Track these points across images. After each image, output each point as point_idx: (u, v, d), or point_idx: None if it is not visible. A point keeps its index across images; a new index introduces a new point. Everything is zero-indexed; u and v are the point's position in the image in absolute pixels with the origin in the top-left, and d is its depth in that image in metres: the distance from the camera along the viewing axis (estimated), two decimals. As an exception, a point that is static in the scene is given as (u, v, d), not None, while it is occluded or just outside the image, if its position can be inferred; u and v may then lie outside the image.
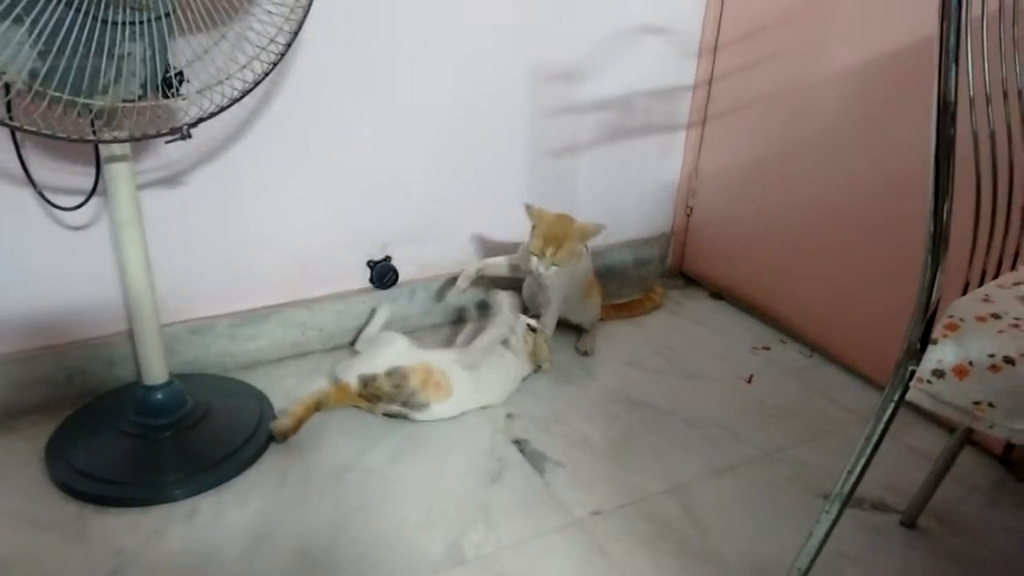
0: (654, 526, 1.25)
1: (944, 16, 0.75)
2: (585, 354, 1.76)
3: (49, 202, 1.34)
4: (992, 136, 0.94)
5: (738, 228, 1.97)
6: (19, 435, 1.39)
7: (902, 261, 1.54)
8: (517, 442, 1.42)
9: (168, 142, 1.18)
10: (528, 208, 1.58)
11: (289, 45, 1.17)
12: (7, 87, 1.00)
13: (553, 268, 1.55)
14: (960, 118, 0.79)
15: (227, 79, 1.14)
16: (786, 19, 1.72)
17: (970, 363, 0.79)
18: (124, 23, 1.02)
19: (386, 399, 1.45)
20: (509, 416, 1.51)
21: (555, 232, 1.54)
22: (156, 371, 1.36)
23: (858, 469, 0.92)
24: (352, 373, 1.48)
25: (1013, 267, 1.01)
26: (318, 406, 1.44)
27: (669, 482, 1.35)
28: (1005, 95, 0.97)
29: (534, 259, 1.55)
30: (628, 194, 2.03)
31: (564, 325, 1.78)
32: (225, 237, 1.55)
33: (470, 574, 1.14)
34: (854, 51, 1.58)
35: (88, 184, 1.34)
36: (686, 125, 2.02)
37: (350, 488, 1.30)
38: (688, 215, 2.12)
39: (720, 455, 1.43)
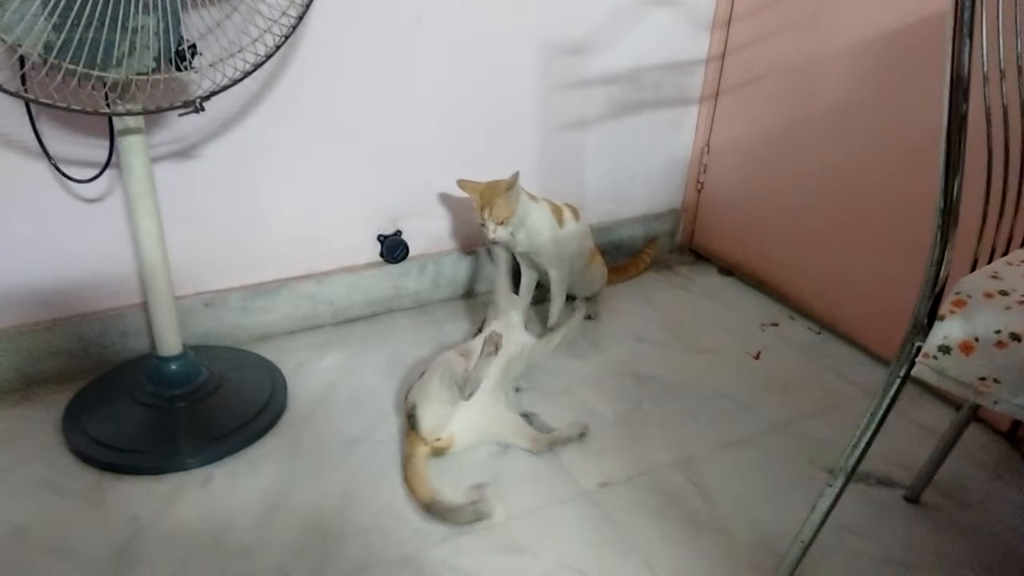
0: (662, 497, 1.26)
1: (959, -10, 0.74)
2: (589, 318, 1.79)
3: (64, 174, 1.35)
4: (1005, 112, 0.94)
5: (749, 204, 1.97)
6: (36, 404, 1.42)
7: (912, 238, 1.54)
8: (526, 415, 1.43)
9: (181, 115, 1.18)
10: (459, 184, 1.59)
11: (300, 18, 1.17)
12: (22, 60, 1.00)
13: (502, 228, 1.55)
14: (973, 94, 0.79)
15: (239, 52, 1.15)
16: (800, -8, 1.71)
17: (976, 339, 0.79)
18: (137, -4, 1.03)
19: None
20: (518, 389, 1.52)
21: (485, 195, 1.55)
22: (170, 342, 1.38)
23: (863, 443, 0.93)
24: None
25: (1023, 244, 1.00)
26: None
27: (677, 454, 1.36)
28: (1020, 71, 0.96)
29: (485, 227, 1.56)
30: (638, 169, 2.03)
31: (568, 298, 1.79)
32: (237, 210, 1.56)
33: (479, 543, 1.16)
34: (868, 24, 1.56)
35: (102, 157, 1.35)
36: (698, 99, 2.01)
37: (361, 458, 1.32)
38: (699, 191, 2.12)
39: (728, 428, 1.44)
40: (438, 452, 1.31)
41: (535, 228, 1.61)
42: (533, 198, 1.62)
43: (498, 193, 1.53)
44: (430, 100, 1.66)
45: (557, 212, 1.66)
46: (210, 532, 1.16)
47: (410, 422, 1.32)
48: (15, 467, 1.27)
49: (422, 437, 1.30)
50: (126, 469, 1.26)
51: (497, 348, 1.30)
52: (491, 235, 1.55)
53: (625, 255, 2.07)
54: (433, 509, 1.20)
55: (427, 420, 1.30)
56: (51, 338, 1.46)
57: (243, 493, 1.24)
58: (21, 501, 1.20)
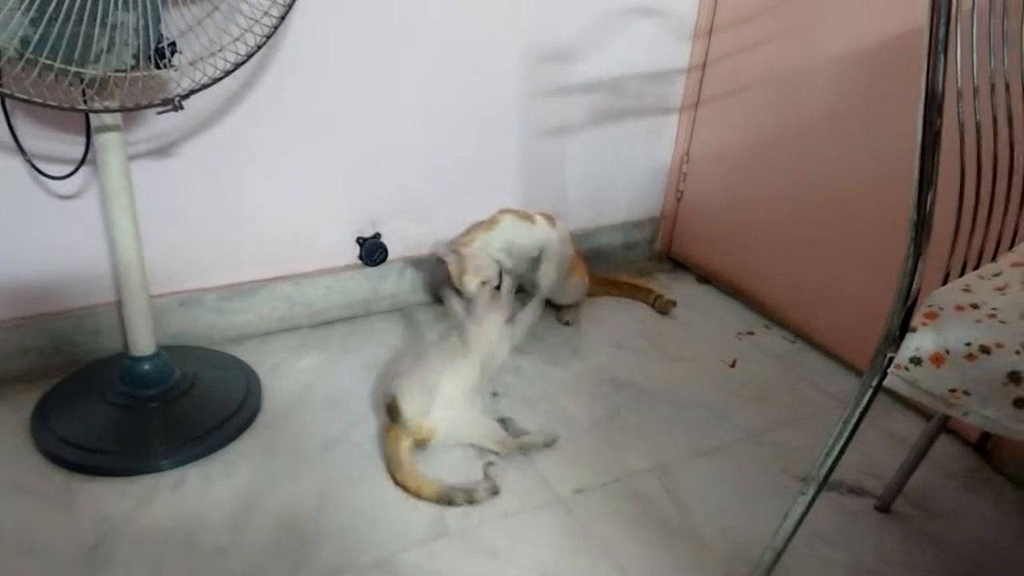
0: (636, 504, 1.27)
1: (934, 7, 0.75)
2: (567, 324, 1.80)
3: (39, 171, 1.33)
4: (978, 128, 0.95)
5: (727, 213, 1.99)
6: (5, 403, 1.39)
7: (887, 250, 1.55)
8: (502, 420, 1.43)
9: (160, 113, 1.17)
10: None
11: (283, 18, 1.16)
12: (-2, 54, 0.99)
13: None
14: (947, 109, 0.80)
15: (220, 51, 1.14)
16: (782, 2, 1.72)
17: (947, 351, 0.81)
18: (117, -8, 1.02)
19: None
20: (495, 395, 1.52)
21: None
22: (143, 342, 1.37)
23: (835, 453, 0.94)
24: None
25: (994, 258, 1.02)
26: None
27: (652, 461, 1.37)
28: (992, 88, 0.98)
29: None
30: (618, 177, 2.04)
31: (547, 305, 1.79)
32: (215, 210, 1.55)
33: (453, 546, 1.15)
34: (848, 37, 1.58)
35: (78, 153, 1.33)
36: (679, 109, 2.02)
37: (337, 460, 1.32)
38: (678, 199, 2.13)
39: (703, 436, 1.45)
40: (420, 443, 1.31)
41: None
42: (494, 222, 1.66)
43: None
44: (411, 103, 1.65)
45: (527, 219, 1.68)
46: (183, 533, 1.14)
47: (391, 415, 1.32)
48: (-18, 467, 1.25)
49: (405, 425, 1.29)
50: (97, 470, 1.25)
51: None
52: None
53: (604, 262, 2.07)
54: (447, 497, 1.23)
55: (410, 406, 1.30)
56: (21, 336, 1.44)
57: (217, 495, 1.22)
58: (-12, 501, 1.18)
